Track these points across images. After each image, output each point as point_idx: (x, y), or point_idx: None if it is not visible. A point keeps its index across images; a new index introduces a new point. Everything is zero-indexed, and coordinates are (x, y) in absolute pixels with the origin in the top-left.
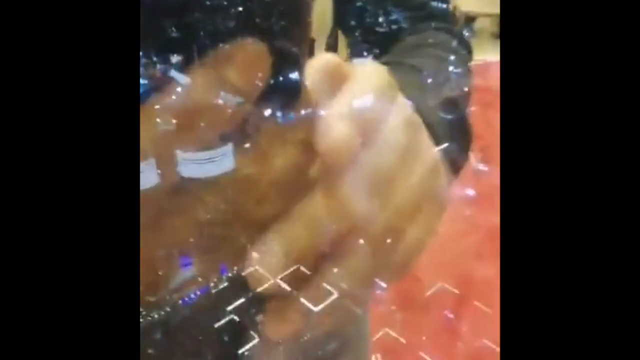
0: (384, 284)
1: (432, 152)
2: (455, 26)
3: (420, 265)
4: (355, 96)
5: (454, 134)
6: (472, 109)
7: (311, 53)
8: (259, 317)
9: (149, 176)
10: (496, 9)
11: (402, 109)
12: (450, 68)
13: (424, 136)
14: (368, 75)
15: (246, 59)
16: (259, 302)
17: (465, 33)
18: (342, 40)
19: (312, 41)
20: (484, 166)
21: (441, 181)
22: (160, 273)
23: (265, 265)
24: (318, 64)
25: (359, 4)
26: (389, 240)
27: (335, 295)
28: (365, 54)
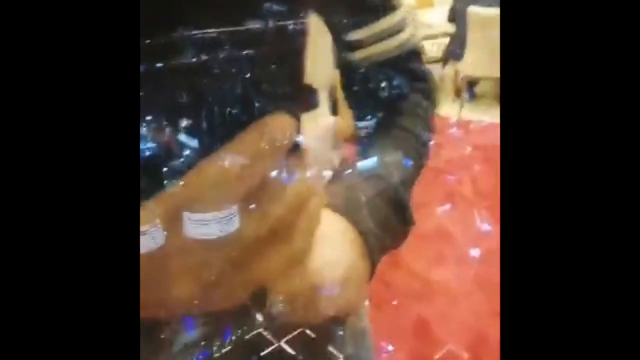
0: (390, 347)
1: None
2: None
3: (432, 326)
4: None
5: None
6: (478, 169)
7: (314, 105)
8: None
9: (155, 237)
10: (498, 73)
11: None
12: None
13: None
14: None
15: (277, 130)
16: None
17: (466, 95)
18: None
19: (315, 92)
20: (489, 226)
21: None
22: (162, 337)
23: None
24: (320, 130)
25: (361, 70)
26: None
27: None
28: (369, 117)
